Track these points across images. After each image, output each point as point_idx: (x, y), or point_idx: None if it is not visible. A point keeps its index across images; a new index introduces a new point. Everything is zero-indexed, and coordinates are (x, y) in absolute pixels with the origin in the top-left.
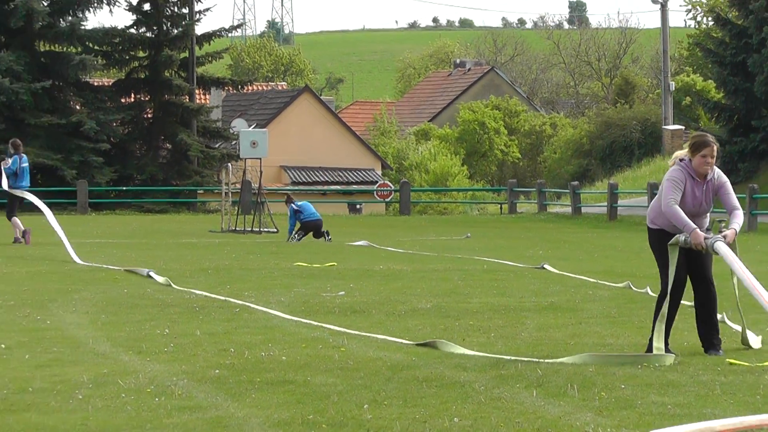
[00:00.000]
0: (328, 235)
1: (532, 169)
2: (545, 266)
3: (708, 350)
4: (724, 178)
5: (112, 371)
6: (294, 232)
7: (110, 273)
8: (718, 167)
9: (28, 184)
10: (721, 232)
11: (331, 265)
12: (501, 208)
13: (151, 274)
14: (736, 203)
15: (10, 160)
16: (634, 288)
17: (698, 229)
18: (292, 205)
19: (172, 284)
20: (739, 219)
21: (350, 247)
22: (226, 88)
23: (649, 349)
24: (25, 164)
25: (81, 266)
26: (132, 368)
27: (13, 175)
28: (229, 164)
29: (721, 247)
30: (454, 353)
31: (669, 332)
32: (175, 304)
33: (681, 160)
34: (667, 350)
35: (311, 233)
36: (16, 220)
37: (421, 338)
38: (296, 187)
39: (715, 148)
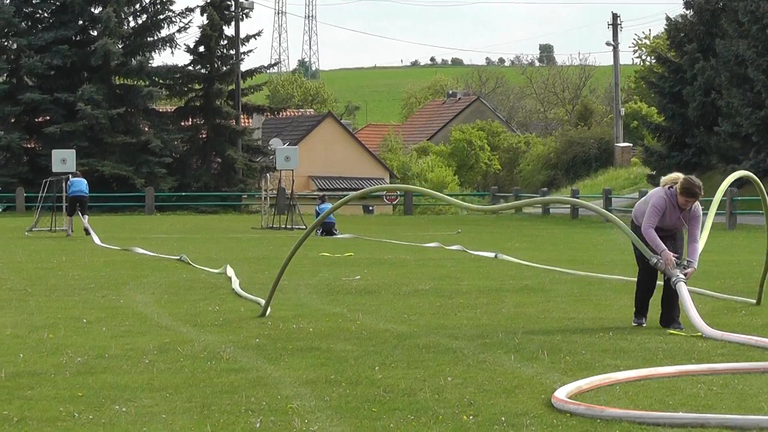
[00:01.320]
0: (335, 230)
1: (510, 178)
2: (499, 255)
3: (669, 324)
4: (699, 213)
5: (173, 341)
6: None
7: (171, 262)
8: (657, 179)
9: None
10: (684, 267)
11: (349, 255)
12: None
13: (229, 271)
14: (697, 236)
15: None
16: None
17: (667, 251)
18: (317, 208)
19: (235, 287)
20: (696, 254)
21: (365, 240)
22: (265, 113)
23: (667, 323)
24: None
25: (147, 256)
26: (189, 338)
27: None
28: (268, 174)
29: (682, 289)
30: (447, 325)
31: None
32: (223, 286)
33: (670, 187)
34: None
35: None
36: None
37: (421, 313)
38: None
39: (698, 198)
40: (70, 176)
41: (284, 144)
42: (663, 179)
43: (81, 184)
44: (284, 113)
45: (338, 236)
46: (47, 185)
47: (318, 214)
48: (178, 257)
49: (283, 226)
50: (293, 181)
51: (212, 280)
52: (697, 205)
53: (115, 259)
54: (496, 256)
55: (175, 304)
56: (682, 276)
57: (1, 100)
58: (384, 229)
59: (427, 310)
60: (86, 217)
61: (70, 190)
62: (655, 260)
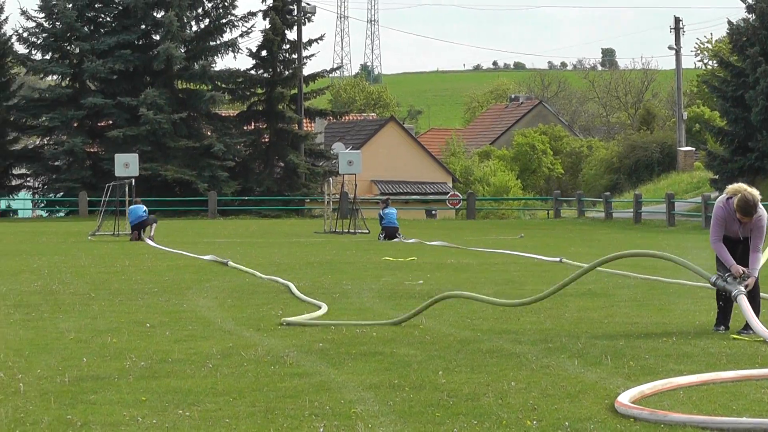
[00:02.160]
0: (399, 235)
1: (572, 182)
2: (563, 260)
3: (717, 327)
4: (762, 222)
5: (236, 345)
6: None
7: (234, 268)
8: (723, 183)
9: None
10: (743, 279)
11: (412, 260)
12: (548, 213)
13: (230, 263)
14: (758, 246)
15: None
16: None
17: (736, 266)
18: (380, 212)
19: (292, 287)
20: (757, 264)
21: (427, 244)
22: (328, 117)
23: (746, 326)
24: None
25: (210, 261)
26: (252, 342)
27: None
28: (330, 179)
29: (742, 302)
30: (510, 330)
31: (728, 316)
32: (285, 291)
33: (729, 198)
34: (719, 329)
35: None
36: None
37: (484, 318)
38: (383, 197)
39: (753, 219)
40: (128, 205)
41: (347, 148)
42: (727, 188)
43: (139, 210)
44: (347, 117)
45: (402, 240)
46: (110, 189)
47: (381, 218)
48: (224, 261)
49: (346, 230)
50: (356, 185)
51: (274, 285)
52: (762, 214)
53: (178, 264)
54: (560, 261)
55: (238, 308)
56: (742, 288)
57: (64, 104)
58: (446, 233)
59: (490, 314)
60: (152, 233)
61: (131, 218)
62: (714, 279)
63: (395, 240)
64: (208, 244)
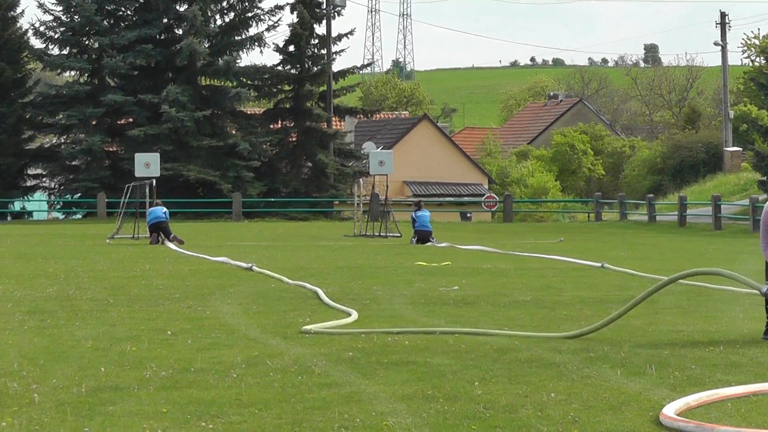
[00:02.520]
0: (432, 239)
1: (614, 183)
2: (605, 265)
3: (766, 335)
4: None
5: (262, 353)
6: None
7: (258, 273)
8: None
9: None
10: None
11: (447, 264)
12: (588, 216)
13: (254, 267)
14: None
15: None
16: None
17: None
18: (412, 214)
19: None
20: None
21: (462, 248)
22: (358, 116)
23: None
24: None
25: (234, 266)
26: (278, 351)
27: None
28: (360, 179)
29: None
30: (551, 337)
31: None
32: (313, 296)
33: None
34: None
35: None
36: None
37: (521, 325)
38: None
39: None
40: (148, 206)
41: (378, 148)
42: None
43: (158, 211)
44: (378, 116)
45: (435, 245)
46: (130, 190)
47: (414, 221)
48: (249, 266)
49: (377, 233)
50: (387, 186)
51: (301, 290)
52: None
53: (200, 268)
54: (602, 266)
55: (264, 315)
56: None
57: (83, 101)
58: (482, 237)
59: (528, 322)
60: (170, 237)
61: (149, 219)
62: (765, 289)
63: (428, 244)
64: (232, 248)
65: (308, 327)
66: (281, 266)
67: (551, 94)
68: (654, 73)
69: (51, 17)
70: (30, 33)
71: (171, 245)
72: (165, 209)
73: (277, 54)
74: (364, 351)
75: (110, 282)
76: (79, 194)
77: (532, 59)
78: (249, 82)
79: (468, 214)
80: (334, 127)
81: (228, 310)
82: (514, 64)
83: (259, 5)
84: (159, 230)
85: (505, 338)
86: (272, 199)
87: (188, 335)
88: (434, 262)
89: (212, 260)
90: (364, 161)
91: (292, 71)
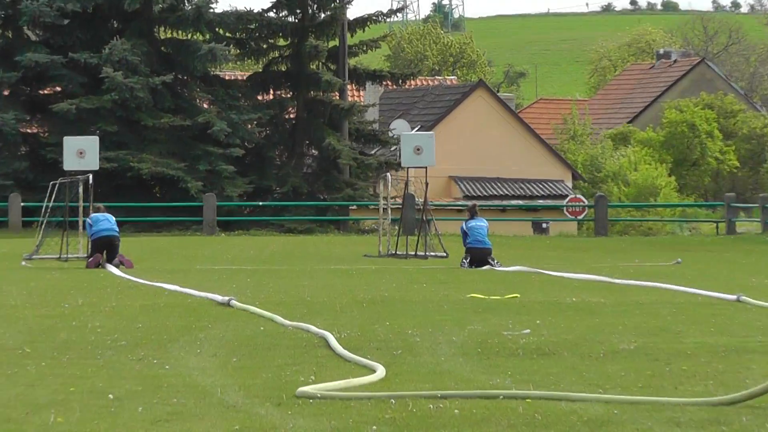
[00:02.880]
0: (494, 262)
1: (753, 180)
2: (742, 298)
3: None
4: None
5: (246, 427)
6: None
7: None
8: None
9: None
10: None
11: (513, 297)
12: (717, 227)
13: (234, 302)
14: None
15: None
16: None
17: None
18: (463, 225)
19: (330, 340)
20: None
21: (536, 273)
22: (384, 83)
23: None
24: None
25: (204, 299)
26: (270, 424)
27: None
28: (388, 174)
29: None
30: (663, 404)
31: None
32: (320, 344)
33: None
34: None
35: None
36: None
37: (624, 386)
38: (468, 202)
39: None
40: (91, 212)
41: (413, 129)
42: None
43: (109, 221)
44: (413, 82)
45: (497, 268)
46: (56, 190)
47: (465, 234)
48: (226, 300)
49: (412, 252)
50: (427, 184)
51: (303, 335)
52: None
53: (157, 303)
54: (738, 299)
55: (250, 370)
56: None
57: None
58: (564, 257)
59: (632, 381)
60: (116, 260)
61: (94, 231)
62: None
63: (486, 267)
64: (202, 274)
65: (311, 388)
66: (274, 300)
67: (661, 51)
68: None
69: None
70: None
71: (113, 270)
72: (113, 218)
73: None
74: (396, 424)
75: (27, 323)
76: None
77: (633, 2)
78: (228, 34)
79: (544, 225)
80: (349, 98)
81: (197, 364)
82: (608, 9)
83: None
84: (109, 249)
85: (599, 405)
86: (261, 203)
87: (139, 400)
88: (495, 293)
89: (174, 291)
90: (393, 148)
91: (290, 19)
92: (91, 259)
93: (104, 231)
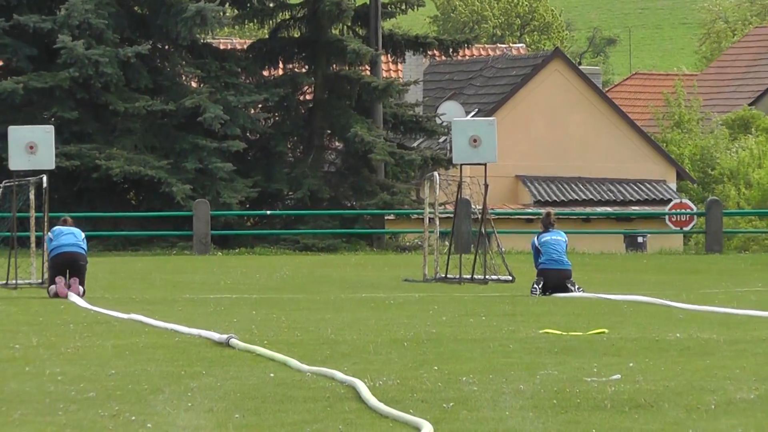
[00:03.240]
0: (575, 287)
1: None
2: None
3: None
4: None
5: None
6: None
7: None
8: None
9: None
10: None
11: (600, 333)
12: None
13: (235, 341)
14: None
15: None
16: None
17: None
18: (534, 239)
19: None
20: None
21: (625, 303)
22: (430, 53)
23: None
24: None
25: (197, 337)
26: None
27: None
28: (436, 174)
29: None
30: None
31: None
32: (348, 395)
33: None
34: None
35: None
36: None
37: None
38: (540, 210)
39: None
40: (58, 224)
41: (468, 114)
42: None
43: (73, 236)
44: (466, 52)
45: (577, 294)
46: (1, 195)
47: (538, 251)
48: (225, 339)
49: (468, 276)
50: (486, 186)
51: (325, 384)
52: None
53: (135, 343)
54: None
55: (257, 430)
56: None
57: None
58: (665, 281)
59: None
60: (82, 289)
61: (54, 247)
62: None
63: (565, 296)
64: (193, 305)
65: None
66: (287, 339)
67: None
68: None
69: None
70: None
71: (78, 300)
72: (82, 234)
73: None
74: None
75: None
76: None
77: None
78: None
79: (640, 239)
80: (384, 74)
81: (187, 423)
82: None
83: None
84: (73, 271)
85: None
86: (268, 212)
87: None
88: (576, 329)
89: (157, 328)
90: (443, 139)
91: None
92: (53, 288)
93: (66, 246)
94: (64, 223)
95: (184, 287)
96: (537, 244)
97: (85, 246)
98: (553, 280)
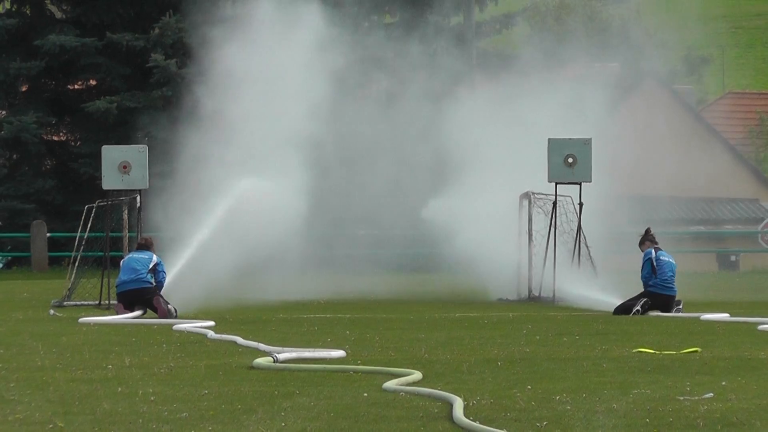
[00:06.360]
0: (680, 305)
1: None
2: None
3: None
4: None
5: None
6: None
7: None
8: None
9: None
10: None
11: (693, 352)
12: None
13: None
14: None
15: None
16: None
17: None
18: (651, 253)
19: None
20: None
21: (721, 321)
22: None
23: None
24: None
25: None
26: None
27: None
28: (530, 191)
29: None
30: None
31: None
32: (441, 413)
33: None
34: None
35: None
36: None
37: None
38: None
39: None
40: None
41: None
42: None
43: (136, 269)
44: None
45: (678, 315)
46: (92, 216)
47: (653, 269)
48: (274, 357)
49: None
50: (581, 205)
51: (416, 403)
52: None
53: (227, 363)
54: None
55: None
56: None
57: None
58: (761, 298)
59: None
60: (170, 308)
61: (117, 281)
62: None
63: (666, 315)
64: (285, 324)
65: None
66: (380, 359)
67: None
68: None
69: None
70: None
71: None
72: (155, 258)
73: None
74: None
75: (59, 389)
76: None
77: None
78: None
79: (733, 257)
80: None
81: None
82: None
83: None
84: (140, 299)
85: None
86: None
87: None
88: (669, 347)
89: (248, 348)
90: None
91: None
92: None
93: (125, 285)
94: (139, 247)
95: (278, 307)
96: (653, 259)
97: (149, 277)
98: (659, 306)
